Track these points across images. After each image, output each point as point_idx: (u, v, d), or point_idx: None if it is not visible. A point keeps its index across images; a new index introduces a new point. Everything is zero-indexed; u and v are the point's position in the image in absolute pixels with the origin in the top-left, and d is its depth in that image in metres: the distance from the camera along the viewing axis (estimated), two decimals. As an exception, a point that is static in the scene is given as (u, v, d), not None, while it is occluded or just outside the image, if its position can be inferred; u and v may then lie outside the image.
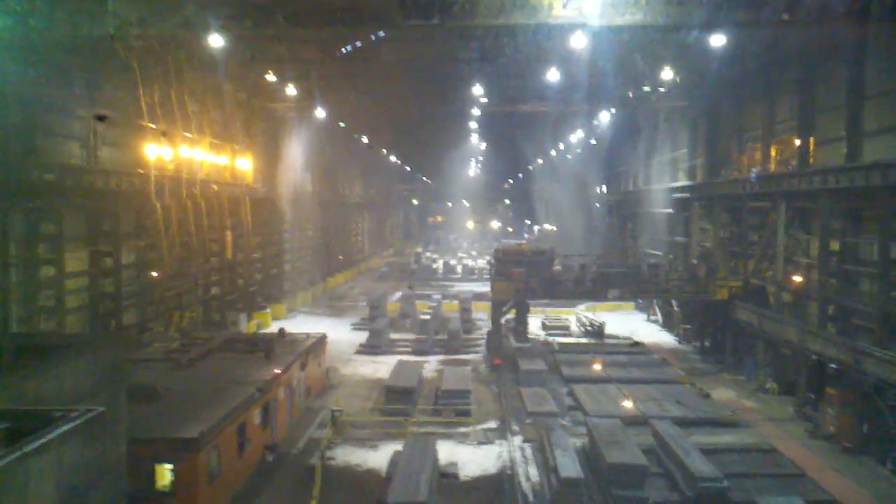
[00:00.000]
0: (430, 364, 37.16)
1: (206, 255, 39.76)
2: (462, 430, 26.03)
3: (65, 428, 12.61)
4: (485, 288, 62.90)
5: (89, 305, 28.09)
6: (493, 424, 26.79)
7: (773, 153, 35.40)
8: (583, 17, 24.57)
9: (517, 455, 23.45)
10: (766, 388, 31.19)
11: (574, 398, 29.76)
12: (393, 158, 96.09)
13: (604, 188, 78.92)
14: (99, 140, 29.00)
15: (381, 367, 36.05)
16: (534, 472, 22.08)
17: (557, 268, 37.53)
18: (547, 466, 21.74)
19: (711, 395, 30.46)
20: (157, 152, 33.21)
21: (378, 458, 23.17)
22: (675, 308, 41.95)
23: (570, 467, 20.26)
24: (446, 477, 21.46)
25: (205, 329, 38.64)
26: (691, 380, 32.78)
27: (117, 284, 29.20)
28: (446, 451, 23.43)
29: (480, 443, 24.73)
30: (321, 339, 31.62)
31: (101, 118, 31.80)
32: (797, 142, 32.22)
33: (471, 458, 23.35)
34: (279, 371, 24.35)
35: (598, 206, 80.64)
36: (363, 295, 59.78)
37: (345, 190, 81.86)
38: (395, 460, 21.54)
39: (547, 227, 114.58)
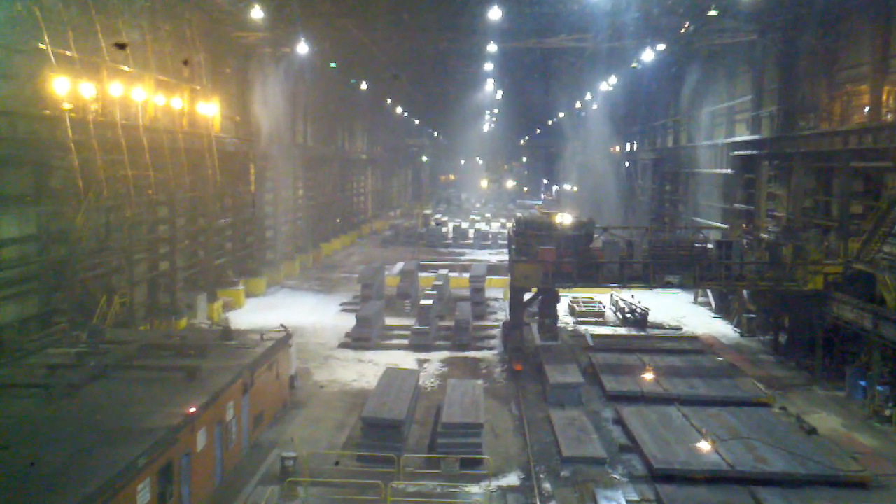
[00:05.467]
0: (432, 365, 29.14)
1: (152, 222, 31.53)
2: (469, 488, 17.90)
3: None
4: (500, 257, 55.07)
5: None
6: (514, 480, 18.58)
7: (885, 97, 26.79)
8: None
9: (553, 548, 15.37)
10: (887, 416, 22.91)
11: (626, 431, 21.52)
12: (400, 110, 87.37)
13: (635, 144, 70.03)
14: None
15: (369, 370, 28.04)
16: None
17: (596, 244, 29.13)
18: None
19: (807, 423, 22.26)
20: (70, 88, 24.84)
21: (340, 548, 15.15)
22: (745, 294, 33.42)
23: None
24: None
25: (148, 317, 30.73)
26: (776, 398, 24.56)
27: (-10, 267, 20.99)
28: (445, 538, 15.39)
29: (496, 518, 16.62)
30: (281, 341, 23.37)
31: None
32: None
33: (482, 551, 15.28)
34: (194, 409, 16.15)
35: (627, 164, 71.95)
36: (361, 264, 51.70)
37: (345, 144, 73.32)
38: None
39: (567, 187, 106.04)
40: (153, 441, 14.48)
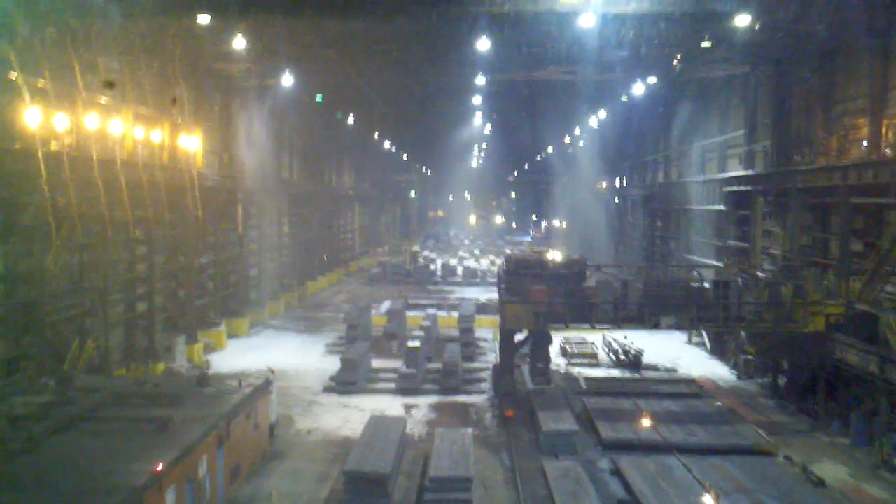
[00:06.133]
0: (419, 411, 27.94)
1: (130, 262, 30.43)
2: (459, 550, 16.75)
3: None
4: (489, 295, 53.99)
5: None
6: (507, 540, 17.50)
7: (884, 131, 26.06)
8: (588, 5, 25.33)
9: None
10: (895, 465, 21.90)
11: (624, 483, 20.39)
12: (388, 146, 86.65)
13: (625, 180, 69.37)
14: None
15: (354, 417, 26.84)
16: None
17: (589, 283, 28.17)
18: None
19: (814, 474, 21.22)
20: (43, 121, 23.91)
21: None
22: (742, 335, 32.39)
23: None
24: None
25: (124, 360, 29.50)
26: (779, 447, 23.46)
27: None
28: None
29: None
30: (261, 388, 22.22)
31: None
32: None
33: None
34: (161, 466, 14.99)
35: (616, 200, 71.29)
36: (348, 302, 50.71)
37: (332, 180, 72.50)
38: None
39: (556, 223, 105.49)
40: (115, 503, 13.32)
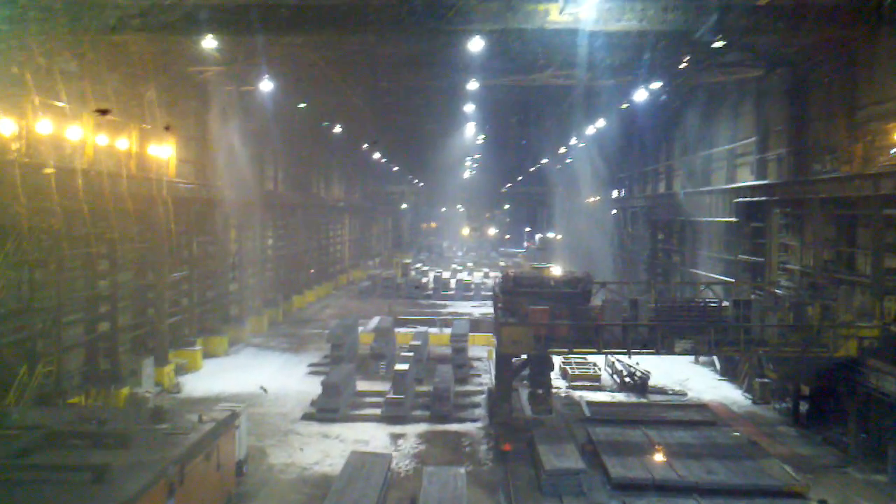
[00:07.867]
0: (407, 442, 25.34)
1: (91, 278, 27.82)
2: None
3: None
4: (483, 310, 51.66)
5: None
6: None
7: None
8: (578, 23, 24.34)
9: None
10: (945, 510, 19.42)
11: (639, 534, 17.84)
12: (379, 157, 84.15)
13: (623, 191, 66.88)
14: None
15: (334, 449, 24.27)
16: None
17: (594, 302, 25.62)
18: None
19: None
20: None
21: None
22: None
23: None
24: None
25: (84, 386, 26.85)
26: (810, 487, 20.84)
27: None
28: None
29: None
30: (226, 422, 19.53)
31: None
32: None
33: None
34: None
35: (614, 212, 68.81)
36: (335, 318, 48.12)
37: (321, 191, 70.03)
38: None
39: (550, 235, 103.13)
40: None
